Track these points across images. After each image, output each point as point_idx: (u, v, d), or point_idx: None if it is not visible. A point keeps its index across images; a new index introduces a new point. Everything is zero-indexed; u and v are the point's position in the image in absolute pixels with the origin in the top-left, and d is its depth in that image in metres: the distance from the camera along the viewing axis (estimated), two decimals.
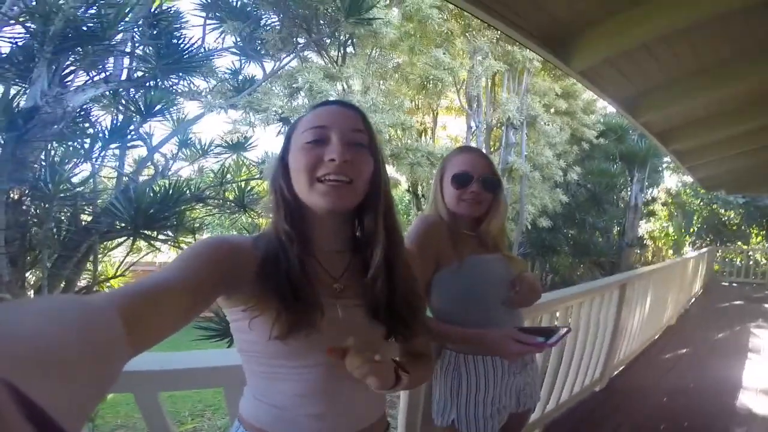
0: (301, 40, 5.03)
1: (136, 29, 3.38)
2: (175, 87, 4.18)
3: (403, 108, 6.62)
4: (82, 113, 3.34)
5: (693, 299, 6.90)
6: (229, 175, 4.82)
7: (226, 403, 1.03)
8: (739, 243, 12.51)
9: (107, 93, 3.41)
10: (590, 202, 10.96)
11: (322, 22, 4.88)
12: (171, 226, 3.76)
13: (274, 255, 0.67)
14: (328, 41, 5.69)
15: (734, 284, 9.65)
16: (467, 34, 7.07)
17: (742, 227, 13.46)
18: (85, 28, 2.61)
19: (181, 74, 3.87)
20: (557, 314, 2.36)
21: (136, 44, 3.58)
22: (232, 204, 4.55)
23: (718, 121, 4.39)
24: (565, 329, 1.03)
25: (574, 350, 2.58)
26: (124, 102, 3.76)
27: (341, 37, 5.73)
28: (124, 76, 3.57)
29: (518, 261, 1.37)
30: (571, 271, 10.98)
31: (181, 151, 4.73)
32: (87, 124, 3.59)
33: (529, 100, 8.21)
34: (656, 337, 4.50)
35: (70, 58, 2.88)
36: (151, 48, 3.49)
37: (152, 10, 3.43)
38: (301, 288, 0.65)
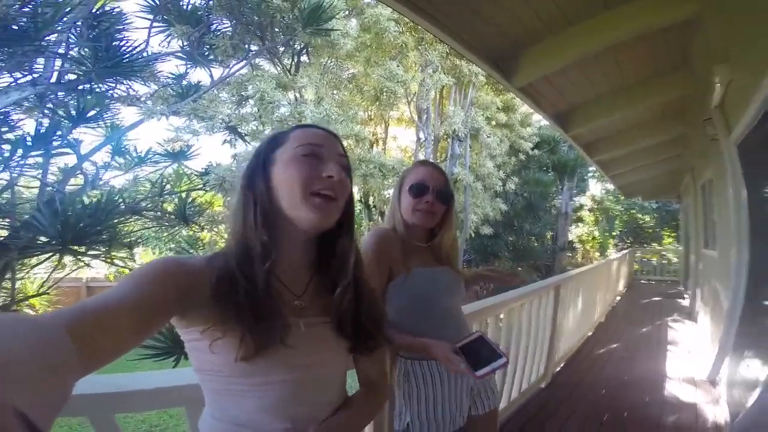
0: (254, 48, 4.88)
1: (73, 30, 3.08)
2: (111, 91, 3.85)
3: (357, 119, 6.66)
4: (1, 117, 2.96)
5: (618, 297, 7.57)
6: (168, 186, 4.52)
7: (189, 423, 1.00)
8: (654, 244, 14.02)
9: (33, 96, 3.06)
10: (527, 210, 11.76)
11: (277, 29, 4.77)
12: (103, 241, 3.44)
13: (230, 274, 0.65)
14: (282, 49, 5.56)
15: (652, 282, 10.73)
16: (420, 47, 7.30)
17: (657, 230, 15.15)
18: (16, 27, 2.34)
19: (119, 78, 3.58)
20: (501, 316, 2.49)
21: (72, 46, 3.26)
22: (172, 216, 4.26)
23: (635, 134, 4.95)
24: (502, 361, 0.99)
25: (519, 349, 2.74)
26: (51, 106, 3.40)
27: (296, 46, 5.64)
28: (54, 79, 3.23)
29: (467, 274, 1.48)
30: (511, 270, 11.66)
31: (114, 160, 4.35)
32: (5, 129, 3.19)
33: (474, 113, 8.65)
34: (589, 333, 4.88)
35: None
36: (88, 50, 3.19)
37: (93, 10, 3.15)
38: (263, 307, 0.64)
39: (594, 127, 4.33)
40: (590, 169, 12.83)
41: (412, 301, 1.21)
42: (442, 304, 1.26)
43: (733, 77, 2.53)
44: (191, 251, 4.44)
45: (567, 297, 3.73)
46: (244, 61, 4.90)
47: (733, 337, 2.99)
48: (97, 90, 3.50)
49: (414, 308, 1.21)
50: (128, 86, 3.98)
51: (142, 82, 4.13)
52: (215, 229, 5.55)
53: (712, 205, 4.61)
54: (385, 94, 6.63)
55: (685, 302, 7.19)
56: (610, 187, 13.16)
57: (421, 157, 8.43)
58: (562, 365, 3.76)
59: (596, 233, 16.20)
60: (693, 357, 4.09)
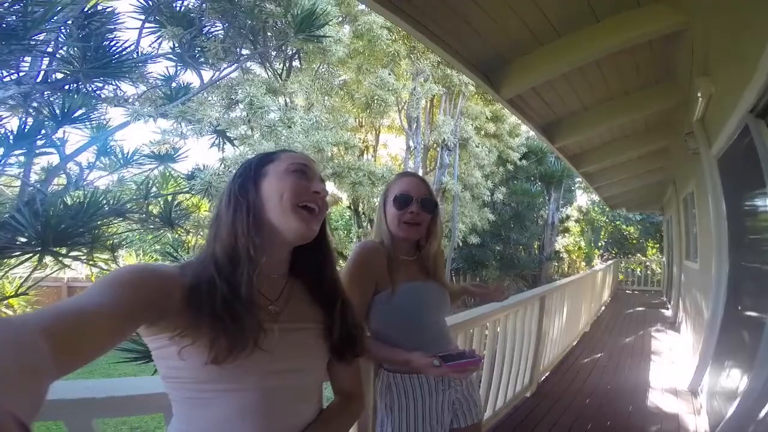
0: (245, 51, 4.86)
1: (62, 29, 3.03)
2: (99, 92, 3.79)
3: (347, 126, 6.68)
4: None
5: (603, 307, 7.67)
6: (154, 188, 4.45)
7: (167, 429, 0.99)
8: (639, 255, 14.28)
9: (17, 95, 3.00)
10: (514, 220, 11.89)
11: (269, 34, 4.78)
12: (85, 243, 3.36)
13: (208, 279, 0.66)
14: (274, 54, 5.57)
15: (636, 292, 10.92)
16: (411, 55, 7.37)
17: (641, 241, 15.44)
18: (3, 25, 2.29)
19: (107, 79, 3.53)
20: (487, 325, 2.51)
21: (61, 45, 3.21)
22: (157, 219, 4.19)
23: (620, 146, 5.05)
24: (475, 358, 1.08)
25: (504, 359, 2.75)
26: (36, 105, 3.33)
27: (288, 51, 5.64)
28: (40, 78, 3.17)
29: (453, 288, 1.50)
30: (498, 283, 11.72)
31: (99, 160, 4.28)
32: None
33: (463, 122, 8.75)
34: (574, 343, 4.93)
35: None
36: (77, 49, 3.14)
37: (85, 9, 3.11)
38: (238, 310, 0.64)
39: (580, 138, 4.41)
40: (577, 180, 13.04)
41: (398, 316, 1.23)
42: (427, 319, 1.28)
43: (714, 90, 2.58)
44: (177, 255, 4.36)
45: (552, 307, 3.76)
46: (235, 65, 4.89)
47: (713, 347, 3.02)
48: (84, 90, 3.44)
49: (399, 323, 1.23)
50: (116, 87, 3.94)
51: (131, 83, 4.08)
52: (201, 233, 5.47)
53: (694, 218, 4.71)
54: (376, 101, 6.67)
55: (668, 312, 7.30)
56: (596, 198, 13.40)
57: (411, 165, 8.47)
58: (547, 374, 3.78)
59: (582, 243, 16.43)
60: (675, 367, 4.15)
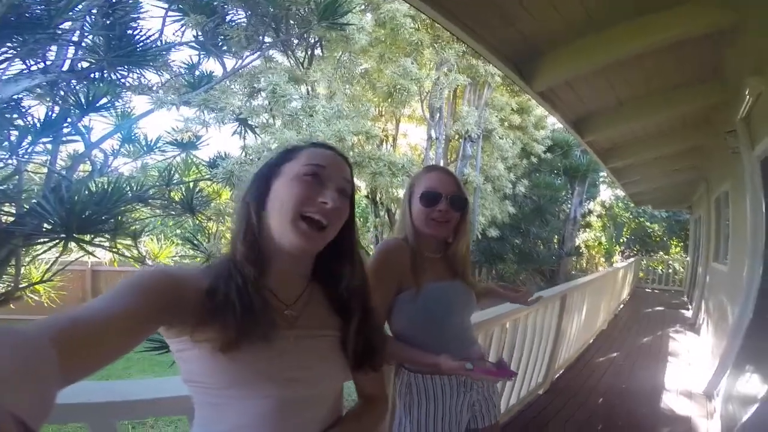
0: (268, 39, 4.82)
1: (87, 18, 3.07)
2: (123, 80, 3.84)
3: (369, 115, 6.61)
4: (12, 104, 2.96)
5: (621, 305, 7.52)
6: (176, 175, 4.52)
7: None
8: (661, 253, 13.90)
9: (44, 84, 3.06)
10: (535, 214, 11.64)
11: (292, 22, 4.72)
12: (109, 230, 3.45)
13: (225, 276, 0.66)
14: (296, 42, 5.52)
15: (656, 291, 10.68)
16: (435, 45, 7.19)
17: (664, 239, 15.01)
18: (28, 15, 2.33)
19: (131, 67, 3.56)
20: (507, 325, 2.48)
21: (86, 33, 3.25)
22: (178, 206, 4.26)
23: (653, 142, 4.86)
24: (510, 372, 1.09)
25: (521, 356, 2.75)
26: (62, 94, 3.39)
27: (310, 39, 5.58)
28: (66, 67, 3.22)
29: (479, 287, 1.42)
30: (515, 277, 11.59)
31: (123, 147, 4.36)
32: (16, 115, 3.19)
33: (487, 114, 8.55)
34: (591, 341, 4.86)
35: (6, 45, 2.55)
36: (101, 38, 3.18)
37: None
38: (251, 300, 0.64)
39: (611, 134, 4.26)
40: (601, 174, 12.68)
41: (422, 316, 1.19)
42: (452, 320, 1.24)
43: (763, 90, 2.47)
44: (197, 241, 4.44)
45: (572, 306, 3.71)
46: (258, 53, 4.86)
47: (736, 351, 2.99)
48: (109, 78, 3.49)
49: (423, 323, 1.20)
50: (140, 75, 3.98)
51: (155, 71, 4.13)
52: (221, 220, 5.56)
53: (727, 219, 4.57)
54: (398, 91, 6.56)
55: (689, 313, 7.15)
56: (620, 193, 13.03)
57: (432, 156, 8.35)
58: (561, 371, 3.76)
59: (603, 239, 16.07)
60: (692, 369, 4.09)
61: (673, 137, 4.69)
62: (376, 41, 7.01)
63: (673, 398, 3.33)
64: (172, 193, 4.39)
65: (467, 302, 1.28)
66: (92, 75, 3.44)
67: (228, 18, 4.35)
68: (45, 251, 3.60)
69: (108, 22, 3.15)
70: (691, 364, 4.26)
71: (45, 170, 3.74)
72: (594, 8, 2.26)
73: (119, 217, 3.48)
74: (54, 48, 3.10)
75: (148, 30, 3.48)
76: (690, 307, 7.48)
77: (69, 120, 3.52)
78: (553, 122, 11.41)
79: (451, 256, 1.28)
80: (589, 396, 3.31)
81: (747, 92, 2.56)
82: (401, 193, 7.39)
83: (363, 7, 6.81)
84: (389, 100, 6.92)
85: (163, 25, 3.88)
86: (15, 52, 2.64)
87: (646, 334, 5.55)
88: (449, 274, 1.26)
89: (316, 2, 4.37)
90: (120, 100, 3.83)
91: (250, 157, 5.25)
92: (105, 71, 3.44)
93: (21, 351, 0.36)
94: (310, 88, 6.47)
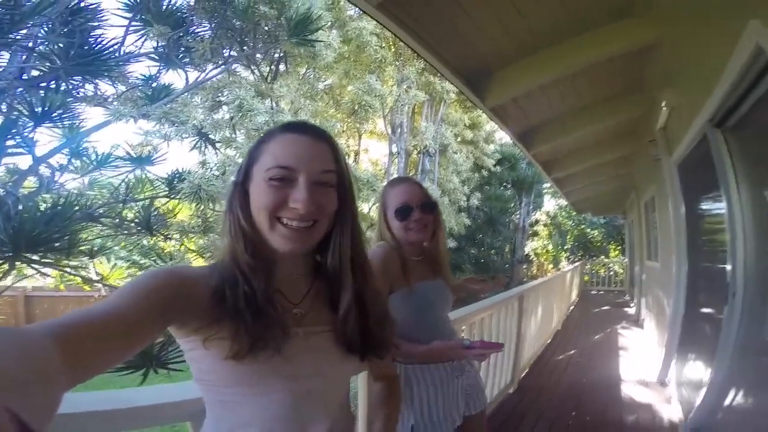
0: (233, 53, 4.78)
1: (44, 25, 2.90)
2: (77, 91, 3.63)
3: (334, 130, 6.67)
4: None
5: (572, 306, 8.01)
6: (131, 192, 4.27)
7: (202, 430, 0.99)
8: (602, 257, 14.95)
9: None
10: (487, 225, 12.22)
11: (259, 36, 4.70)
12: (61, 249, 3.21)
13: (231, 280, 0.64)
14: (261, 57, 5.48)
15: (600, 292, 11.42)
16: (397, 62, 7.42)
17: (604, 244, 16.16)
18: None
19: (87, 77, 3.39)
20: (475, 325, 2.62)
21: (40, 41, 3.07)
22: (132, 224, 4.04)
23: (589, 153, 5.27)
24: (498, 343, 1.29)
25: (489, 357, 2.86)
26: (8, 103, 3.16)
27: (275, 54, 5.56)
28: (18, 75, 3.02)
29: (455, 284, 1.58)
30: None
31: (71, 162, 4.07)
32: None
33: (443, 129, 8.92)
34: (549, 341, 5.14)
35: None
36: (59, 46, 3.01)
37: (70, 5, 2.98)
38: (261, 308, 0.63)
39: (553, 145, 4.54)
40: (545, 185, 13.52)
41: (414, 313, 1.31)
42: (438, 315, 1.39)
43: (678, 102, 2.76)
44: (159, 263, 4.21)
45: (529, 306, 3.91)
46: (222, 66, 4.79)
47: (677, 341, 3.21)
48: (64, 88, 3.30)
49: (415, 320, 1.31)
50: (95, 86, 3.78)
51: (110, 83, 3.93)
52: (185, 239, 5.21)
53: (655, 221, 4.98)
54: (362, 107, 6.69)
55: (632, 310, 7.65)
56: (563, 202, 13.95)
57: (394, 171, 8.54)
58: (526, 371, 3.92)
59: (550, 247, 17.04)
60: (642, 361, 4.37)
61: (606, 147, 5.10)
62: (340, 57, 7.12)
63: (631, 388, 3.50)
64: (125, 211, 4.15)
65: (449, 298, 1.43)
66: (46, 84, 3.24)
67: (192, 30, 4.26)
68: None
69: (66, 29, 3.01)
70: (641, 356, 4.55)
71: None
72: (537, 28, 2.49)
73: (73, 236, 3.25)
74: (6, 54, 2.91)
75: (110, 39, 3.35)
76: (632, 304, 7.99)
77: (14, 131, 3.27)
78: (501, 137, 12.13)
79: (432, 255, 1.42)
80: (555, 392, 3.45)
81: (663, 104, 2.86)
82: (366, 207, 7.46)
83: (329, 24, 6.91)
84: (353, 115, 7.02)
85: (126, 34, 3.74)
86: None
87: (596, 332, 5.88)
88: (431, 274, 1.40)
89: (288, 18, 4.43)
90: (72, 112, 3.60)
91: (215, 173, 5.07)
92: (60, 80, 3.25)
93: (19, 350, 0.35)
94: (275, 103, 6.43)
